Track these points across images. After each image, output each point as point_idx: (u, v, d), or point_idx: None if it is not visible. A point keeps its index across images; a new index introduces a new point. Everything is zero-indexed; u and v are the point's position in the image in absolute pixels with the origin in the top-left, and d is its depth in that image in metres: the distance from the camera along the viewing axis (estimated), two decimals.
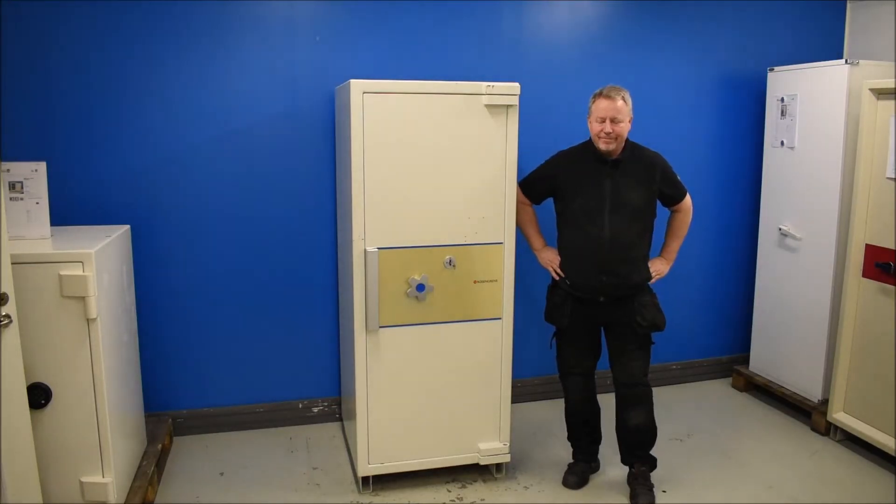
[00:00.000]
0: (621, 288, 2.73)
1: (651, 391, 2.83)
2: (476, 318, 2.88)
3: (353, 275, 2.72)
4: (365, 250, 2.69)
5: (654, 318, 2.78)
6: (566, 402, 3.01)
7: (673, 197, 2.85)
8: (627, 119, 2.65)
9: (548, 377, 3.84)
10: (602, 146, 2.65)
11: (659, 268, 2.89)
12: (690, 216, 2.91)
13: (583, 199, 2.73)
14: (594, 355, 2.94)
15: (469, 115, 2.71)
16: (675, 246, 2.94)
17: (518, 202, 2.86)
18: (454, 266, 2.80)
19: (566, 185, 2.78)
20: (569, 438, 3.06)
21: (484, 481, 3.01)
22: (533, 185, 2.91)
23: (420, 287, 2.76)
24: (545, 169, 2.88)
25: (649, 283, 2.82)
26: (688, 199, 2.88)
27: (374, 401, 2.83)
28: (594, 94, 2.69)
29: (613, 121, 2.61)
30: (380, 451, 2.88)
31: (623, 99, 2.63)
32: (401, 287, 2.76)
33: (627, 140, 2.72)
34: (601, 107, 2.63)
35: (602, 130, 2.63)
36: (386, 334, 2.79)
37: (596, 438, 3.07)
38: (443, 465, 2.97)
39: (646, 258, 2.81)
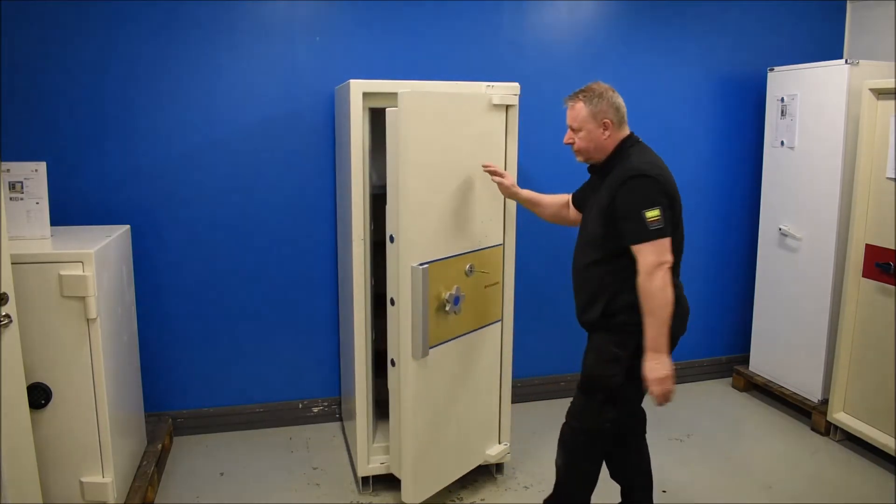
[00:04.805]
0: (581, 323, 2.34)
1: (575, 434, 2.35)
2: (487, 323, 2.84)
3: (400, 296, 2.47)
4: (412, 267, 2.41)
5: (590, 368, 2.28)
6: None
7: (623, 234, 2.12)
8: (592, 124, 2.20)
9: (548, 377, 3.85)
10: (576, 159, 2.34)
11: (643, 371, 2.12)
12: (649, 281, 2.05)
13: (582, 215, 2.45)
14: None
15: (470, 116, 2.70)
16: (644, 326, 2.10)
17: (564, 204, 2.60)
18: (473, 273, 2.69)
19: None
20: None
21: (484, 481, 3.01)
22: (580, 191, 2.54)
23: (456, 300, 2.59)
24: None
25: (621, 336, 2.22)
26: (645, 252, 2.07)
27: (418, 427, 2.56)
28: None
29: (572, 129, 2.26)
30: (427, 477, 2.69)
31: (583, 99, 2.22)
32: (434, 303, 2.53)
33: (621, 146, 2.24)
34: (566, 115, 2.30)
35: (565, 141, 2.31)
36: (430, 356, 2.55)
37: (623, 482, 2.61)
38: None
39: (614, 297, 2.20)
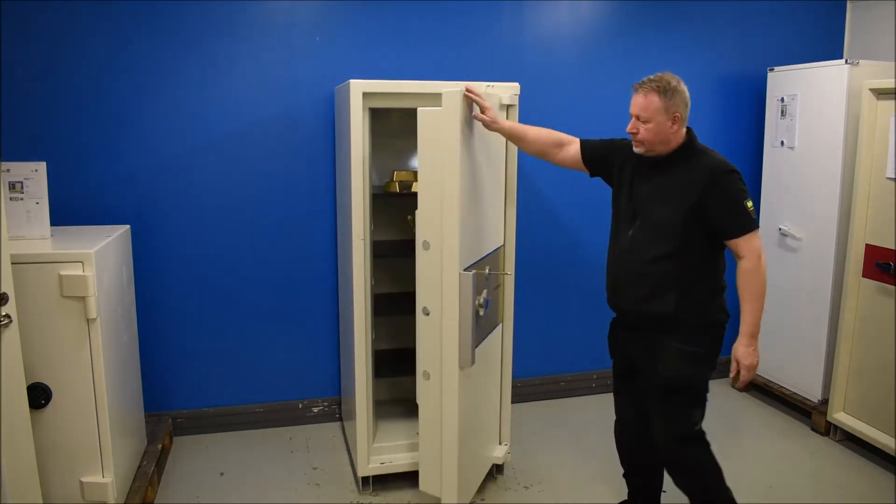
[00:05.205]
0: (637, 316, 2.30)
1: (685, 443, 2.28)
2: (497, 325, 2.82)
3: (444, 304, 2.40)
4: (460, 274, 2.35)
5: (677, 371, 2.22)
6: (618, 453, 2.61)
7: (722, 229, 2.18)
8: (663, 117, 2.16)
9: (548, 377, 3.85)
10: (634, 149, 2.27)
11: (738, 357, 2.20)
12: (757, 269, 2.16)
13: (618, 202, 2.38)
14: (638, 404, 2.43)
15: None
16: (744, 311, 2.20)
17: (553, 143, 2.48)
18: (491, 275, 2.65)
19: (615, 179, 2.40)
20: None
21: (484, 481, 3.00)
22: (595, 146, 2.46)
23: (486, 304, 2.55)
24: (613, 143, 2.45)
25: (700, 332, 2.25)
26: (751, 241, 2.16)
27: (461, 435, 2.48)
28: None
29: (639, 119, 2.19)
30: (465, 491, 2.62)
31: (658, 92, 2.15)
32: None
33: (689, 141, 2.24)
34: (632, 101, 2.22)
35: (628, 129, 2.23)
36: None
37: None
38: None
39: (686, 291, 2.22)
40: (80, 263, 2.31)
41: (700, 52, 3.81)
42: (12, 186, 2.55)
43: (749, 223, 2.16)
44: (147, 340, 3.22)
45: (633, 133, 2.21)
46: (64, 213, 2.95)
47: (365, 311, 2.79)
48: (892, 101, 3.05)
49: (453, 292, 2.37)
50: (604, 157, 2.43)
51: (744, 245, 2.16)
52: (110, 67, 3.07)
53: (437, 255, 2.43)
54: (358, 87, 2.60)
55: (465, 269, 2.38)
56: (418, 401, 2.61)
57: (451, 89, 2.31)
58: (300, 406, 3.54)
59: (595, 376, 3.86)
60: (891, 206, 3.06)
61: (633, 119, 2.20)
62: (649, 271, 2.23)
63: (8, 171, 2.54)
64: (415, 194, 3.15)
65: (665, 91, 2.15)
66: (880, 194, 3.12)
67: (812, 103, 3.49)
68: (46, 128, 3.04)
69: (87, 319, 2.34)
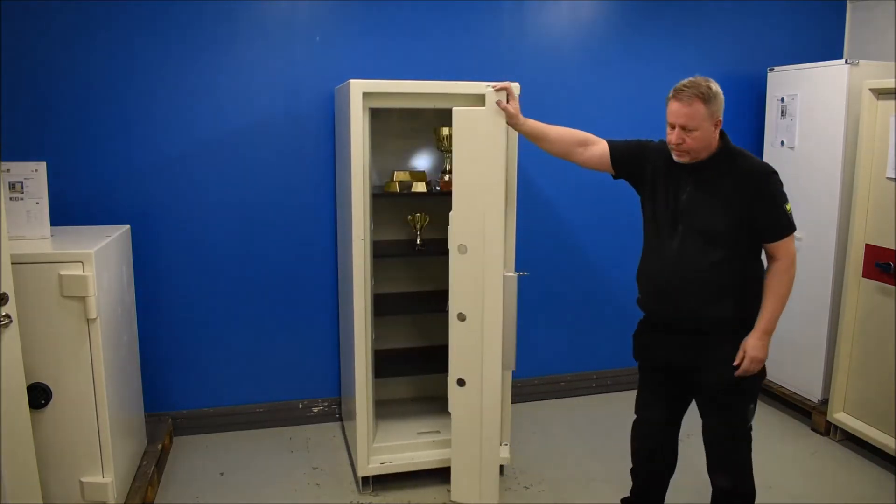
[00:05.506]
0: (694, 322, 2.25)
1: (740, 443, 2.32)
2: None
3: (484, 308, 2.39)
4: (505, 276, 2.34)
5: (733, 375, 2.23)
6: (631, 450, 2.57)
7: (764, 231, 2.20)
8: (708, 123, 2.11)
9: (548, 377, 3.84)
10: (675, 158, 2.21)
11: (747, 348, 2.21)
12: (789, 270, 2.21)
13: (654, 207, 2.31)
14: (669, 407, 2.44)
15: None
16: (765, 308, 2.22)
17: (577, 143, 2.44)
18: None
19: (647, 183, 2.34)
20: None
21: None
22: (624, 147, 2.41)
23: None
24: (642, 144, 2.40)
25: (749, 332, 2.24)
26: (788, 244, 2.20)
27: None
28: (672, 89, 2.18)
29: (685, 129, 2.12)
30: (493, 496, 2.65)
31: (701, 98, 2.09)
32: None
33: (725, 144, 2.21)
34: (671, 109, 2.15)
35: (671, 140, 2.18)
36: None
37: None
38: (443, 466, 2.97)
39: (741, 295, 2.23)
40: (80, 263, 2.31)
41: (700, 51, 3.81)
42: (12, 186, 2.55)
43: (789, 226, 2.19)
44: (147, 340, 3.22)
45: (679, 143, 2.15)
46: (64, 213, 2.95)
47: (365, 311, 2.79)
48: (892, 101, 3.05)
49: (497, 295, 2.34)
50: (633, 159, 2.38)
51: (781, 247, 2.20)
52: (111, 67, 3.07)
53: (476, 259, 2.37)
54: (358, 87, 2.60)
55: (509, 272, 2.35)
56: (451, 409, 2.56)
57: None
58: (300, 406, 3.54)
59: (595, 376, 3.86)
60: (891, 206, 3.06)
61: (677, 129, 2.14)
62: (706, 278, 2.19)
63: (8, 171, 2.54)
64: (415, 194, 3.18)
65: (707, 98, 2.10)
66: (880, 194, 3.12)
67: (812, 103, 3.49)
68: (46, 128, 3.04)
69: (87, 319, 2.34)
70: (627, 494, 2.64)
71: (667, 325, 2.32)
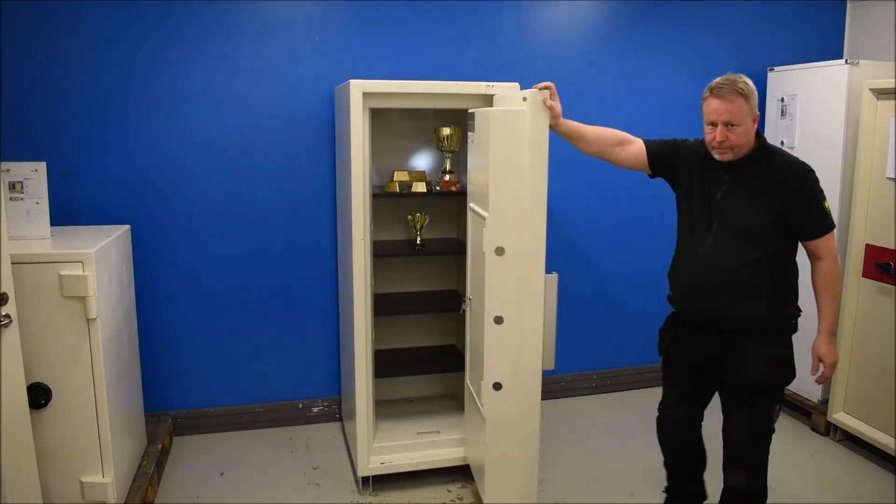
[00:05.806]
0: (727, 320, 2.23)
1: (764, 444, 2.29)
2: None
3: (522, 310, 2.38)
4: (546, 277, 2.35)
5: (765, 376, 2.21)
6: (660, 444, 2.55)
7: (803, 230, 2.19)
8: (749, 118, 2.12)
9: (548, 377, 3.83)
10: (716, 156, 2.20)
11: (822, 355, 2.24)
12: (835, 267, 2.20)
13: (689, 207, 2.31)
14: (694, 403, 2.43)
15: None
16: (824, 310, 2.21)
17: (615, 142, 2.44)
18: None
19: (682, 181, 2.34)
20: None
21: None
22: (660, 146, 2.41)
23: None
24: (677, 143, 2.41)
25: (783, 334, 2.25)
26: (829, 242, 2.20)
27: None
28: (706, 88, 2.18)
29: (727, 125, 2.12)
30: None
31: (742, 94, 2.09)
32: None
33: (761, 141, 2.21)
34: (711, 108, 2.14)
35: (713, 139, 2.15)
36: None
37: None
38: (443, 466, 2.97)
39: (776, 294, 2.21)
40: (80, 263, 2.32)
41: (700, 51, 3.81)
42: (12, 186, 2.55)
43: (829, 224, 2.20)
44: (147, 340, 3.22)
45: (723, 141, 2.14)
46: (64, 213, 2.95)
47: (365, 311, 2.79)
48: (892, 101, 3.05)
49: (536, 297, 2.35)
50: (670, 158, 2.38)
51: (822, 245, 2.19)
52: (111, 67, 3.07)
53: (513, 261, 2.35)
54: (358, 87, 2.60)
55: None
56: (485, 415, 2.52)
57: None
58: (300, 406, 3.54)
59: (595, 376, 3.86)
60: (891, 206, 3.06)
61: (720, 127, 2.13)
62: (741, 277, 2.18)
63: (8, 171, 2.54)
64: (415, 194, 3.18)
65: (746, 92, 2.11)
66: (880, 194, 3.12)
67: (812, 103, 3.49)
68: (46, 128, 3.04)
69: (87, 319, 2.34)
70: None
71: (698, 322, 2.31)
